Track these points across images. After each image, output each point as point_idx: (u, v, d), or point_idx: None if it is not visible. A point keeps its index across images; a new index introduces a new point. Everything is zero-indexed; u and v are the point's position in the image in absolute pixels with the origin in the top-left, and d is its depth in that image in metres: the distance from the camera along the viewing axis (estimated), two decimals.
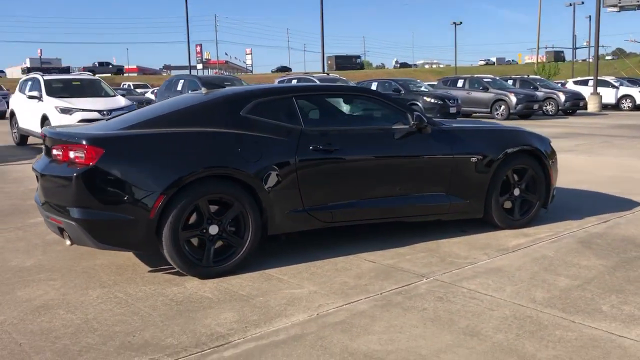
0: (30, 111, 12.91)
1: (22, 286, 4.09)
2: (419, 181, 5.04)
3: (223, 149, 4.27)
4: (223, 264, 4.24)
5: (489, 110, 22.04)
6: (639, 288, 3.92)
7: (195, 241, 4.30)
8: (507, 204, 5.47)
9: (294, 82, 17.55)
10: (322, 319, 3.47)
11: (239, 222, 4.31)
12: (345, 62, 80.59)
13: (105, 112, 12.22)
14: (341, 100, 5.29)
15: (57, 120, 11.92)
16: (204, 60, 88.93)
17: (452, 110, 19.45)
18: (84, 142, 3.99)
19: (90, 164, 3.93)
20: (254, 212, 4.29)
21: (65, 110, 12.14)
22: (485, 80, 22.92)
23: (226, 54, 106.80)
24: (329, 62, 75.35)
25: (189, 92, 11.16)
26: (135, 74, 79.58)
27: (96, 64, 74.94)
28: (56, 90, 12.94)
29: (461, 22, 69.44)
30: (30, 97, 12.83)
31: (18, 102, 13.79)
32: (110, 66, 78.62)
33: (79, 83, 13.57)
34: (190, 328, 3.35)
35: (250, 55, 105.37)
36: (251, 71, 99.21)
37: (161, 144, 4.16)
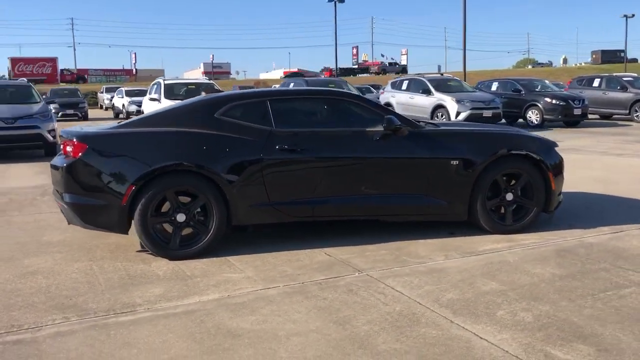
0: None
1: (33, 256, 5.01)
2: (394, 182, 5.20)
3: (190, 147, 4.84)
4: (188, 248, 4.81)
5: (627, 111, 20.22)
6: (562, 297, 3.81)
7: (169, 227, 4.92)
8: (504, 208, 5.41)
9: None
10: (227, 299, 3.89)
11: (206, 212, 4.86)
12: (610, 57, 77.59)
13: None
14: (323, 103, 5.60)
15: None
16: (359, 61, 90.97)
17: (577, 112, 18.22)
18: (74, 139, 4.81)
19: (76, 157, 4.74)
20: (217, 204, 4.81)
21: None
22: (625, 79, 21.02)
23: (382, 55, 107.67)
24: (594, 56, 77.96)
25: None
26: None
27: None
28: (173, 93, 14.51)
29: (633, 15, 63.33)
30: (152, 100, 14.55)
31: (145, 104, 15.69)
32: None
33: (193, 87, 15.06)
34: (118, 298, 3.97)
35: (405, 56, 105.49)
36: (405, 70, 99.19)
37: (137, 142, 4.85)
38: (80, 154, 4.73)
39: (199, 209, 4.84)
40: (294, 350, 3.14)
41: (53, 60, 74.11)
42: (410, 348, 3.13)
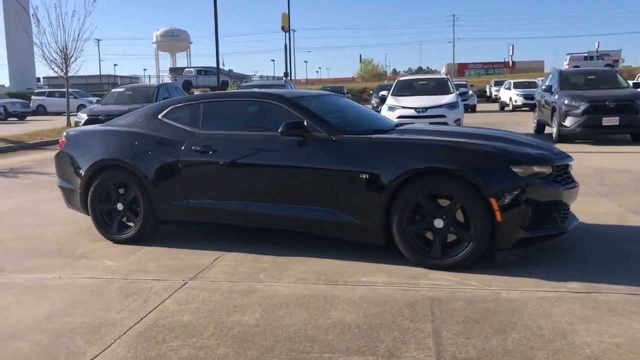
0: None
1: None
2: (301, 192, 4.77)
3: (128, 146, 5.39)
4: (121, 234, 5.42)
5: None
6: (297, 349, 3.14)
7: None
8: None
9: None
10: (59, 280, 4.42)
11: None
12: None
13: (420, 110, 13.32)
14: (249, 106, 5.33)
15: (385, 114, 13.74)
16: None
17: None
18: (64, 134, 5.89)
19: (60, 148, 5.81)
20: (143, 197, 5.27)
21: (391, 108, 13.80)
22: None
23: None
24: None
25: None
26: None
27: None
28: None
29: None
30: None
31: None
32: None
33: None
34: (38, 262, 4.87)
35: None
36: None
37: (96, 139, 5.62)
38: (61, 146, 5.80)
39: (132, 201, 5.36)
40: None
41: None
42: None
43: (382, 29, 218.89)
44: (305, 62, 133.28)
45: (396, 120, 13.31)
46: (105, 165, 5.41)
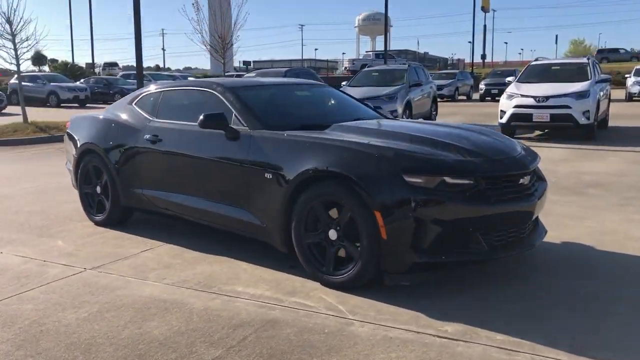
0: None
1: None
2: (221, 188, 4.51)
3: (100, 131, 5.55)
4: (97, 217, 5.64)
5: None
6: None
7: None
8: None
9: None
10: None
11: None
12: None
13: (540, 99, 11.83)
14: (198, 95, 5.01)
15: (502, 103, 12.48)
16: None
17: None
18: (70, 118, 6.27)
19: (66, 130, 6.19)
20: (111, 183, 5.41)
21: (510, 96, 12.44)
22: None
23: None
24: None
25: None
26: None
27: None
28: (531, 76, 13.09)
29: None
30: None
31: None
32: None
33: (558, 68, 13.18)
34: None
35: None
36: None
37: (87, 124, 5.85)
38: (67, 128, 6.18)
39: (105, 185, 5.53)
40: None
41: None
42: None
43: (594, 5, 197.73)
44: (505, 43, 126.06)
45: (511, 111, 12.06)
46: (86, 149, 5.65)
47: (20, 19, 15.20)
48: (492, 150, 3.93)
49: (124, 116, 5.50)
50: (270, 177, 4.06)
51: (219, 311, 3.48)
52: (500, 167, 3.76)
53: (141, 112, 5.38)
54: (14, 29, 14.99)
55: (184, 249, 4.77)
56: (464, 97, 31.92)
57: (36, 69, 46.67)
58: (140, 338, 3.15)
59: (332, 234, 3.78)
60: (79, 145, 5.74)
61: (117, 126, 5.46)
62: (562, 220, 5.45)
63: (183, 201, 4.82)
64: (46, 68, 44.13)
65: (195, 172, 4.71)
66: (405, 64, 17.43)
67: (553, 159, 9.41)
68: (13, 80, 30.40)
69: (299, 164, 3.88)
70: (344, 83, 15.61)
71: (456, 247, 3.58)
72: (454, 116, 19.02)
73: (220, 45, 21.65)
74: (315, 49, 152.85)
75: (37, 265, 4.46)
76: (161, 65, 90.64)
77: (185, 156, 4.78)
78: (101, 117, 5.74)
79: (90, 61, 49.88)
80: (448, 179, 3.53)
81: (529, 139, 12.38)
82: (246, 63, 65.48)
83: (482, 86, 29.66)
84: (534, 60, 14.19)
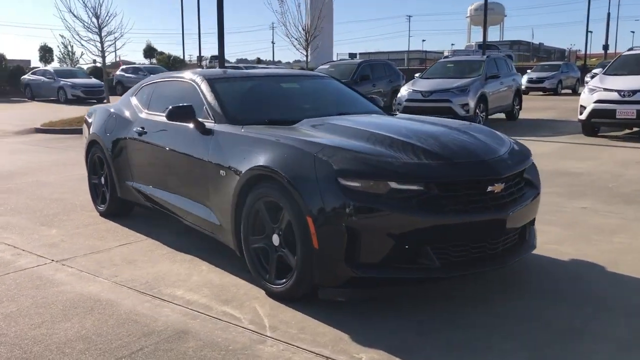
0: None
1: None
2: (187, 183, 4.34)
3: (102, 123, 5.53)
4: (100, 207, 5.66)
5: None
6: None
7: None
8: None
9: None
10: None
11: None
12: None
13: (625, 93, 10.63)
14: (183, 87, 4.75)
15: (583, 98, 11.37)
16: None
17: None
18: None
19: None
20: (109, 175, 5.40)
21: (592, 90, 11.28)
22: None
23: None
24: None
25: None
26: None
27: None
28: (620, 67, 11.81)
29: None
30: None
31: None
32: None
33: None
34: None
35: None
36: None
37: (96, 115, 5.86)
38: (85, 117, 6.26)
39: (107, 177, 5.51)
40: None
41: None
42: None
43: None
44: (632, 32, 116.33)
45: (592, 107, 10.90)
46: (92, 140, 5.68)
47: (107, 13, 15.98)
48: (460, 152, 3.40)
49: (123, 108, 5.46)
50: (224, 174, 3.80)
51: (139, 316, 3.28)
52: (460, 171, 3.23)
53: (137, 103, 5.31)
54: (100, 22, 15.77)
55: (161, 245, 4.63)
56: (569, 91, 29.73)
57: (147, 61, 49.38)
58: (42, 339, 3.01)
59: (275, 239, 3.45)
60: (87, 136, 5.79)
61: (116, 118, 5.42)
62: (588, 233, 4.74)
63: (162, 196, 4.68)
64: (154, 60, 46.49)
65: (170, 166, 4.55)
66: (488, 55, 16.43)
67: (627, 161, 8.38)
68: (119, 72, 32.35)
69: (248, 161, 3.58)
70: (416, 75, 14.94)
71: (401, 262, 3.12)
72: (546, 111, 17.73)
73: (304, 37, 21.60)
74: (423, 40, 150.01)
75: (12, 254, 4.49)
76: (270, 59, 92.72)
77: (162, 149, 4.62)
78: (110, 109, 5.73)
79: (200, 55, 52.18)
80: (393, 184, 3.09)
81: (616, 137, 11.20)
82: (352, 55, 65.54)
83: (587, 79, 27.45)
84: (627, 50, 12.75)
